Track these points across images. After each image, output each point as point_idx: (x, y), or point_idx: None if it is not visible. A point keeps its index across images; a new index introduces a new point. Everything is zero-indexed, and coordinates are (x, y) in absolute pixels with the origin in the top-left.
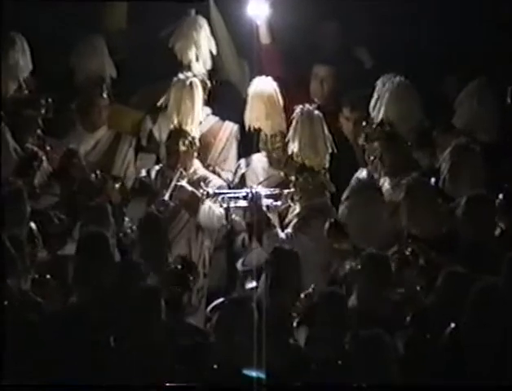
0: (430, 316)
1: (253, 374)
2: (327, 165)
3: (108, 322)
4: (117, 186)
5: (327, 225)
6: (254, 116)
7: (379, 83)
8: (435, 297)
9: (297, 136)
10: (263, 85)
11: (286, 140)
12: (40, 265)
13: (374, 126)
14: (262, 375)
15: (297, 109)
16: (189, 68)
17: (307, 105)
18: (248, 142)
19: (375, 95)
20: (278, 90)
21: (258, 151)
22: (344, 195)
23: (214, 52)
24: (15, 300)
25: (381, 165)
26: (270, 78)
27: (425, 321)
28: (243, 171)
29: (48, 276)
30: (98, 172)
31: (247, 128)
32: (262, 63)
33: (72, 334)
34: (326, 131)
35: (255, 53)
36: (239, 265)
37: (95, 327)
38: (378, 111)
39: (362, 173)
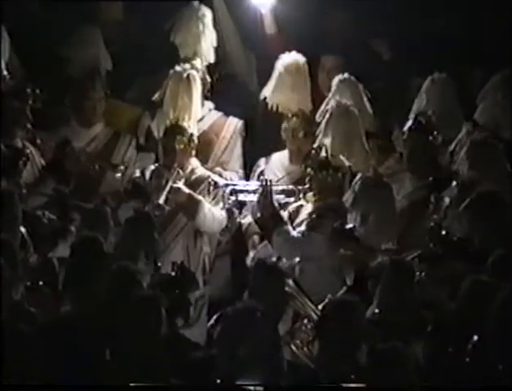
0: (453, 326)
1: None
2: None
3: (103, 333)
4: (119, 175)
5: (331, 231)
6: (279, 90)
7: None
8: (459, 306)
9: (330, 131)
10: (292, 59)
11: (317, 133)
12: (31, 271)
13: (411, 122)
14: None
15: (333, 102)
16: (190, 60)
17: (344, 99)
18: (253, 140)
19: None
20: (307, 67)
21: (280, 139)
22: (350, 199)
23: (216, 44)
24: (7, 311)
25: (406, 165)
26: (300, 54)
27: (448, 331)
28: (262, 168)
29: (41, 283)
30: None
31: (269, 106)
32: (267, 53)
33: (64, 346)
34: (362, 131)
35: (260, 43)
36: (249, 261)
37: (90, 338)
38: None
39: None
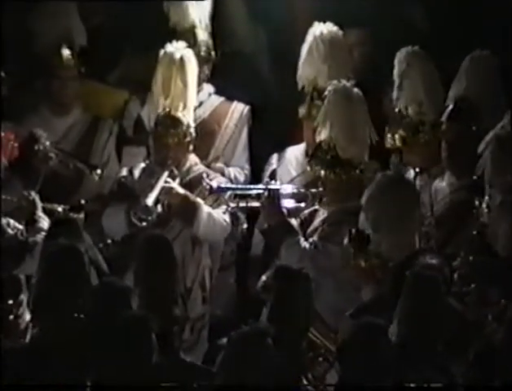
0: (501, 352)
1: None
2: (366, 159)
3: (82, 361)
4: (97, 177)
5: (347, 237)
6: (308, 63)
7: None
8: (507, 329)
9: (328, 119)
10: (327, 28)
11: (315, 124)
12: None
13: (450, 109)
14: None
15: (330, 85)
16: (186, 35)
17: (343, 80)
18: (263, 129)
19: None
20: (344, 41)
21: (295, 130)
22: (364, 199)
23: (212, 14)
24: None
25: (445, 161)
26: (336, 27)
27: (495, 358)
28: (273, 167)
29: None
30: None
31: (300, 86)
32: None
33: (36, 377)
34: (367, 116)
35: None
36: (259, 285)
37: (66, 367)
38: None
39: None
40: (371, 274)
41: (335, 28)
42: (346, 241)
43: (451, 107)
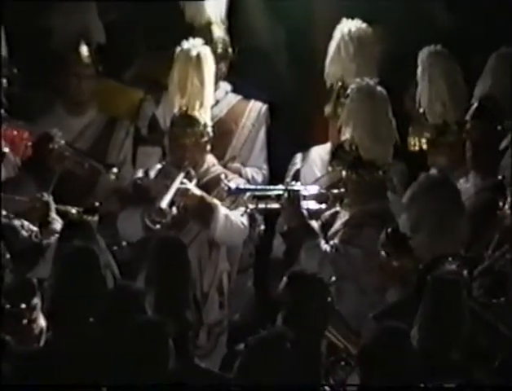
0: None
1: None
2: (390, 159)
3: (97, 367)
4: (113, 177)
5: (383, 235)
6: (335, 61)
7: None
8: None
9: (351, 118)
10: (356, 26)
11: (338, 124)
12: (7, 293)
13: (475, 108)
14: None
15: (353, 84)
16: (202, 31)
17: (366, 79)
18: (283, 128)
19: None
20: (371, 36)
21: (314, 130)
22: (406, 199)
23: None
24: None
25: (470, 160)
26: (365, 24)
27: None
28: (297, 167)
29: (23, 305)
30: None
31: (328, 84)
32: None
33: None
34: (391, 115)
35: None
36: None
37: (80, 373)
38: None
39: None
40: (401, 274)
41: (364, 26)
42: (381, 239)
43: (476, 105)
